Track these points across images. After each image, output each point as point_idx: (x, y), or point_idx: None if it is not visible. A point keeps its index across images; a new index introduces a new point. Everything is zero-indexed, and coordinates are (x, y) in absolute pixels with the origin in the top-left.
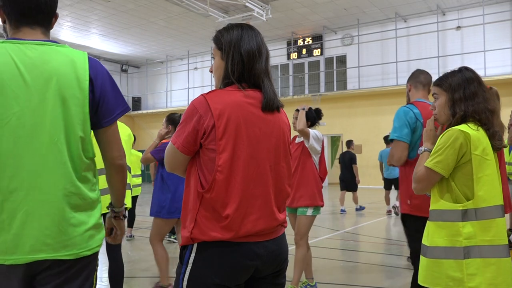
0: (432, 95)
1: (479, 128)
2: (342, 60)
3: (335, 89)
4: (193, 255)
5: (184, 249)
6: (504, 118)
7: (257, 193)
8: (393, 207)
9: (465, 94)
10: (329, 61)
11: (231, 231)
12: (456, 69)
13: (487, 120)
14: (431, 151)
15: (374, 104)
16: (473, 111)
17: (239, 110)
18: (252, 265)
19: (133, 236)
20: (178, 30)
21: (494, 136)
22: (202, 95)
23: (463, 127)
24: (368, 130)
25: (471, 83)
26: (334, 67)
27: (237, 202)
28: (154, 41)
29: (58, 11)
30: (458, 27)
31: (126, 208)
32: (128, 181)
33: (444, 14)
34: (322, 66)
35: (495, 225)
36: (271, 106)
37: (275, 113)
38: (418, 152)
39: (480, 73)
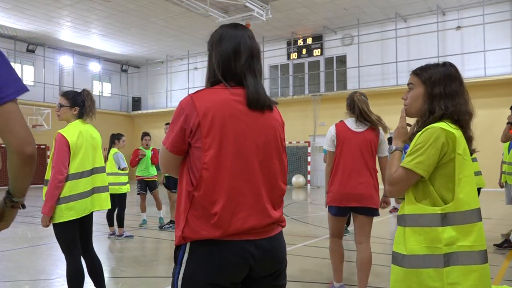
0: (408, 84)
1: (457, 128)
2: (342, 60)
3: (335, 89)
4: (186, 255)
5: (178, 249)
6: (504, 118)
7: (246, 190)
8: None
9: (446, 91)
10: (329, 61)
11: (220, 229)
12: (440, 62)
13: (466, 123)
14: (402, 150)
15: (374, 104)
16: (453, 112)
17: (225, 108)
18: (245, 264)
19: (133, 236)
20: (178, 30)
21: (470, 140)
22: (189, 95)
23: (443, 125)
24: None
25: (453, 81)
26: (334, 67)
27: (225, 199)
28: (154, 41)
29: (58, 11)
30: (458, 27)
31: None
32: (104, 183)
33: (444, 14)
34: (322, 66)
35: (476, 229)
36: (256, 102)
37: (266, 110)
38: (388, 151)
39: (480, 73)
